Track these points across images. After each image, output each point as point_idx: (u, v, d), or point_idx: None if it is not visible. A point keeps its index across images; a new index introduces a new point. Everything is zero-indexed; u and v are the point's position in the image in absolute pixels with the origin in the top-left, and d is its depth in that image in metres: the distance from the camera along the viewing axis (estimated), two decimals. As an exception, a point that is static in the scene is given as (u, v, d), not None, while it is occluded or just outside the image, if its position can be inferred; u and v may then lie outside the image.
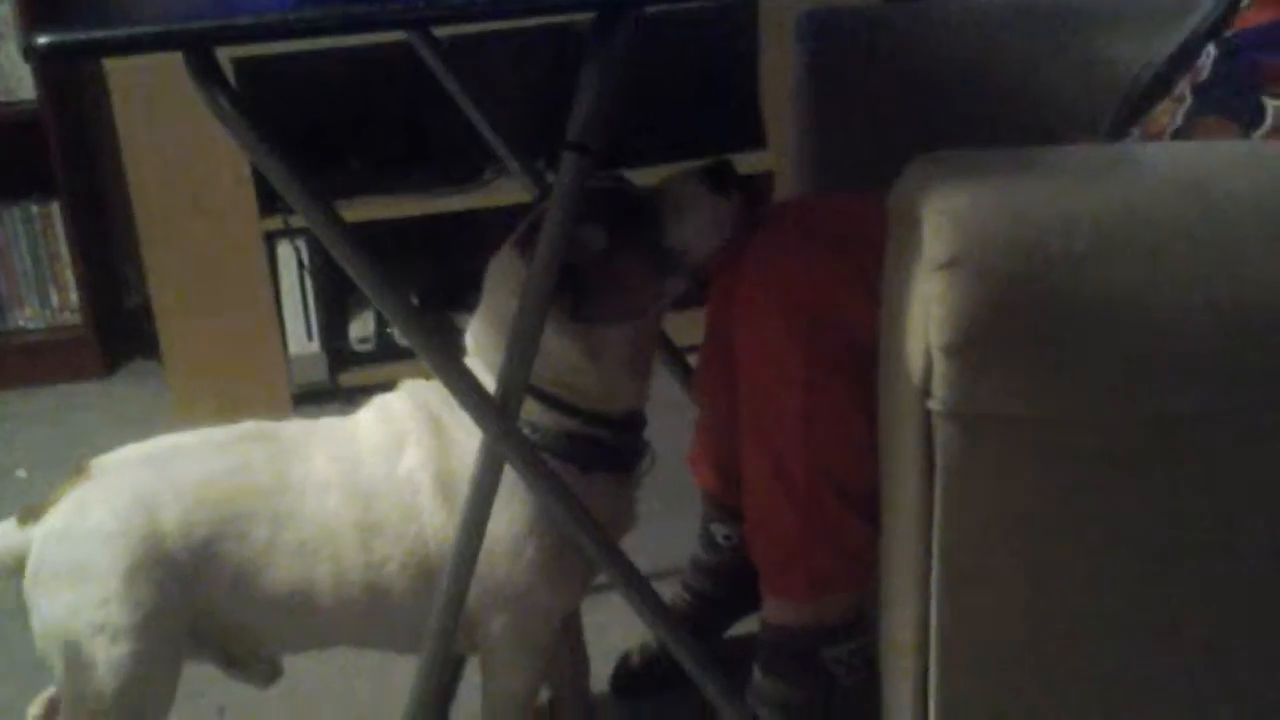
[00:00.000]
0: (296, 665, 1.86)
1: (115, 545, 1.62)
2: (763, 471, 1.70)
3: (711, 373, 1.97)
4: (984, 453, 1.28)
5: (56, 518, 1.64)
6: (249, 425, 1.76)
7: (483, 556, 1.62)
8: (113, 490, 1.66)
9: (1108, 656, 1.37)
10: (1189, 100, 1.63)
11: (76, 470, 1.69)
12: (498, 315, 1.67)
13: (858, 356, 1.50)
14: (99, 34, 1.37)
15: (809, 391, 1.63)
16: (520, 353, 1.54)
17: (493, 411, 1.54)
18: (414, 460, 1.68)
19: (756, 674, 1.80)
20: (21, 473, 3.14)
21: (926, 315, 1.23)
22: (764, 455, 1.70)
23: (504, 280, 1.68)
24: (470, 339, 1.73)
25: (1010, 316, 1.21)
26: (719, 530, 2.07)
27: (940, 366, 1.23)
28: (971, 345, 1.21)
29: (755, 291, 1.69)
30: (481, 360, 1.68)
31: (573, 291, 1.61)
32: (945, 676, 1.39)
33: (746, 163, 3.31)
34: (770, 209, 2.05)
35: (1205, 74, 1.63)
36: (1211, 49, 1.65)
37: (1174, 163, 1.35)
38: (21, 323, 3.79)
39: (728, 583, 2.08)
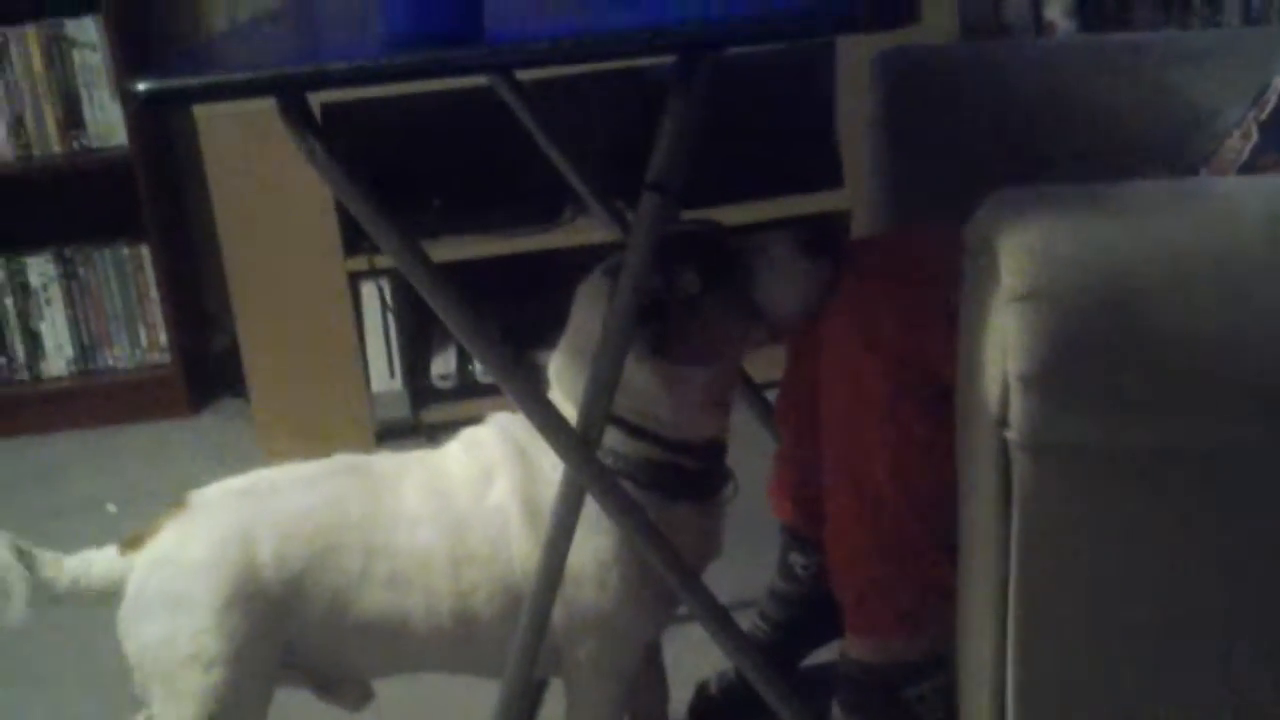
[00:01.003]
0: (380, 693, 1.88)
1: (212, 577, 1.66)
2: (849, 508, 1.72)
3: (792, 405, 1.99)
4: (1061, 483, 1.29)
5: (156, 547, 1.69)
6: (341, 459, 1.80)
7: (568, 584, 1.65)
8: (211, 523, 1.70)
9: (1188, 688, 1.37)
10: (1255, 137, 1.63)
11: (175, 503, 1.74)
12: (582, 340, 1.70)
13: (944, 393, 1.52)
14: (196, 80, 1.42)
15: (897, 428, 1.64)
16: (601, 387, 1.57)
17: (574, 443, 1.57)
18: (502, 491, 1.71)
19: (836, 710, 1.80)
20: (111, 507, 3.20)
21: (1004, 347, 1.24)
22: (851, 492, 1.71)
23: (591, 305, 1.71)
24: (553, 369, 1.76)
25: (1087, 348, 1.22)
26: (797, 560, 2.08)
27: (1017, 397, 1.25)
28: (1049, 376, 1.23)
29: (843, 329, 1.70)
30: (563, 392, 1.71)
31: (658, 326, 1.64)
32: (1022, 710, 1.39)
33: (823, 202, 3.34)
34: (851, 246, 2.06)
35: (1269, 109, 1.63)
36: (1278, 83, 1.65)
37: (1247, 196, 1.36)
38: (111, 362, 3.86)
39: (805, 613, 2.09)
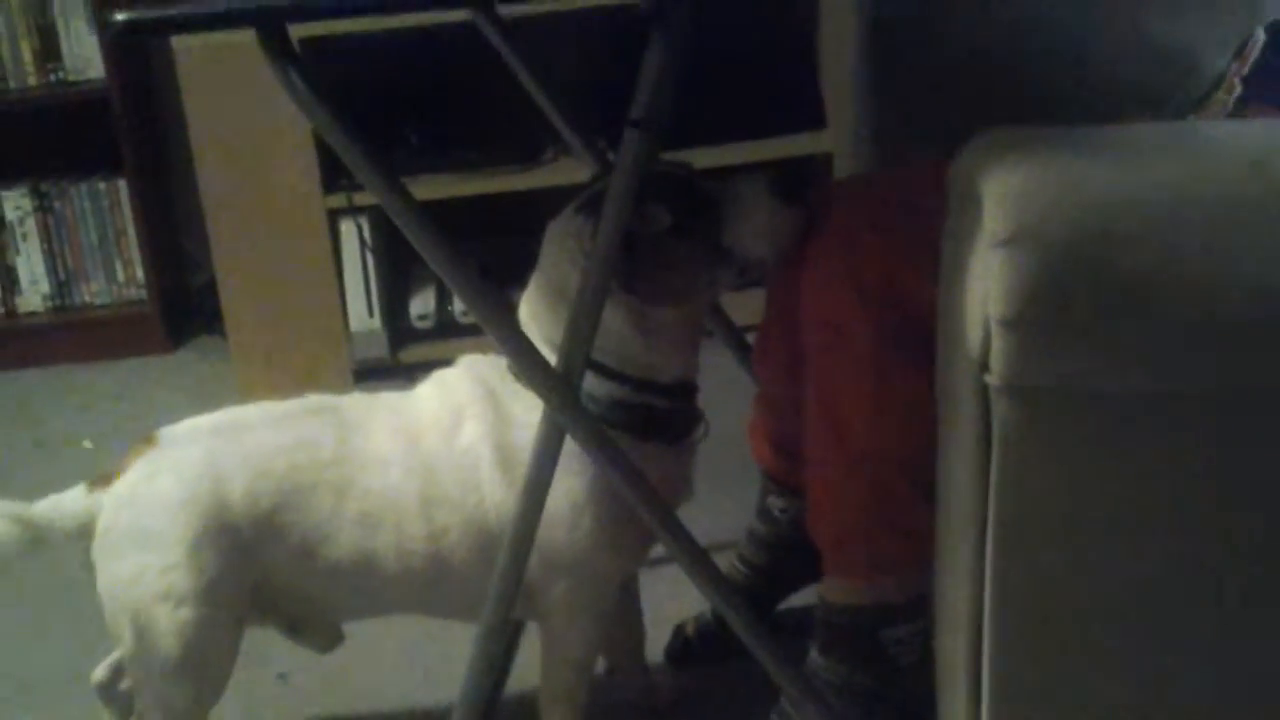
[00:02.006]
0: (357, 631, 1.88)
1: (182, 513, 1.65)
2: (828, 450, 1.71)
3: (771, 348, 1.98)
4: (1040, 426, 1.28)
5: (125, 485, 1.68)
6: (312, 399, 1.79)
7: (541, 526, 1.64)
8: (180, 460, 1.69)
9: (1163, 628, 1.37)
10: (1238, 89, 1.63)
11: (145, 440, 1.73)
12: (553, 280, 1.69)
13: (926, 337, 1.51)
14: (175, 12, 1.40)
15: (878, 372, 1.64)
16: (582, 327, 1.56)
17: (556, 383, 1.56)
18: (473, 433, 1.70)
19: (813, 653, 1.80)
20: (88, 443, 3.19)
21: (986, 290, 1.24)
22: (830, 435, 1.70)
23: (562, 245, 1.69)
24: (524, 307, 1.74)
25: (1069, 292, 1.21)
26: (775, 503, 2.08)
27: (998, 341, 1.24)
28: (1030, 320, 1.22)
29: (824, 272, 1.69)
30: (536, 329, 1.69)
31: (628, 263, 1.62)
32: (998, 651, 1.39)
33: (806, 144, 3.32)
34: (833, 187, 2.05)
35: (1252, 60, 1.63)
36: (1261, 35, 1.64)
37: (1234, 140, 1.35)
38: (88, 298, 3.84)
39: (783, 556, 2.09)
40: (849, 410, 1.67)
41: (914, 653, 1.74)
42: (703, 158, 1.84)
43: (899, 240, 1.64)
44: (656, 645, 2.11)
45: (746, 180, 1.71)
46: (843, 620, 1.77)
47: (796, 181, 1.71)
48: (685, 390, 1.76)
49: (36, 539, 1.68)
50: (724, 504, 2.20)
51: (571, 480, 1.67)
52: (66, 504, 1.69)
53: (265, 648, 1.86)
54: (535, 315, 1.72)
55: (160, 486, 1.67)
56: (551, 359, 1.58)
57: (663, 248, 1.66)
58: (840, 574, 1.76)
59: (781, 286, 1.91)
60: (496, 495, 1.68)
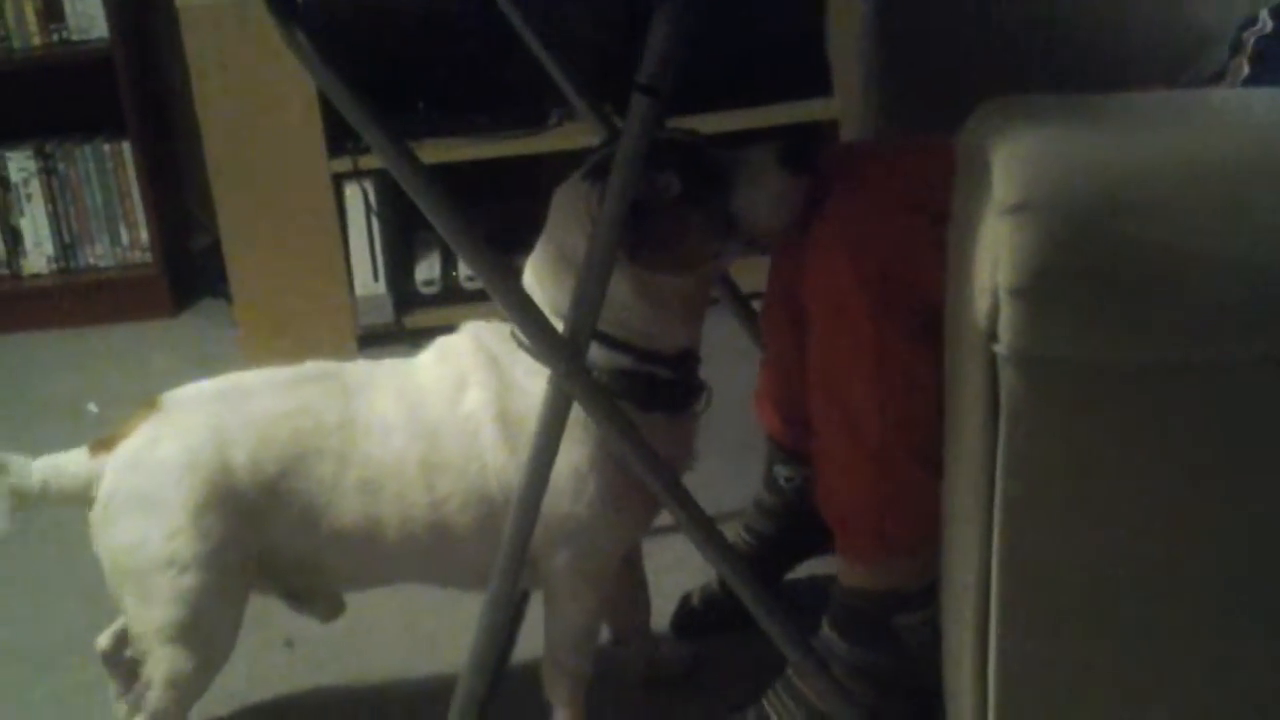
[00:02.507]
0: (363, 600, 1.88)
1: (185, 479, 1.65)
2: (836, 433, 1.70)
3: (776, 316, 1.97)
4: (1048, 397, 1.27)
5: (128, 449, 1.68)
6: (315, 365, 1.79)
7: (545, 495, 1.63)
8: (184, 424, 1.69)
9: (1170, 604, 1.37)
10: (1245, 71, 1.62)
11: (148, 404, 1.72)
12: (559, 247, 1.68)
13: (931, 317, 1.49)
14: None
15: (883, 353, 1.62)
16: (589, 293, 1.54)
17: (563, 349, 1.55)
18: (476, 400, 1.69)
19: (826, 629, 1.79)
20: (92, 407, 3.19)
21: (994, 259, 1.22)
22: (838, 416, 1.69)
23: (569, 210, 1.68)
24: (529, 272, 1.72)
25: (1079, 261, 1.20)
26: (781, 472, 2.07)
27: (1006, 310, 1.23)
28: (1039, 289, 1.21)
29: (830, 246, 1.66)
30: (541, 295, 1.66)
31: (634, 231, 1.61)
32: (1005, 628, 1.38)
33: (812, 111, 3.30)
34: (838, 152, 2.03)
35: (1251, 43, 1.62)
36: (1269, 21, 1.63)
37: (1247, 110, 1.33)
38: (92, 260, 3.84)
39: (789, 525, 2.08)
40: (853, 389, 1.66)
41: (928, 641, 1.73)
42: (707, 123, 1.82)
43: (911, 221, 1.62)
44: (662, 615, 2.11)
45: (756, 149, 1.69)
46: (857, 603, 1.76)
47: (806, 151, 1.69)
48: (688, 360, 1.75)
49: (33, 497, 1.68)
50: (730, 473, 2.19)
51: (575, 449, 1.66)
52: (67, 466, 1.69)
53: (270, 614, 1.86)
54: (540, 281, 1.70)
55: (163, 451, 1.67)
56: (556, 325, 1.57)
57: (669, 216, 1.65)
58: (852, 556, 1.75)
59: (786, 254, 1.90)
60: (498, 462, 1.68)
